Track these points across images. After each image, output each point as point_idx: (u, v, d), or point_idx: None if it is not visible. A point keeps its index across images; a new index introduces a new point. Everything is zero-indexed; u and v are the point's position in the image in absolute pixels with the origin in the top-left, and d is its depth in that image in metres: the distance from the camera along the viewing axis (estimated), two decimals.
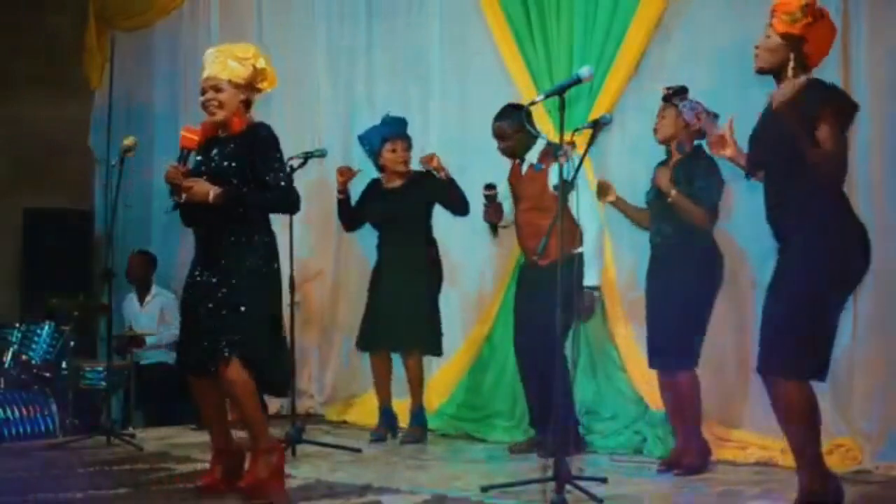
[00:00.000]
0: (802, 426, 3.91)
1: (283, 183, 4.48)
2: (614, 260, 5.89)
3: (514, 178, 5.74)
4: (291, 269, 5.69)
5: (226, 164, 4.46)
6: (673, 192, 5.00)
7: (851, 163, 5.08)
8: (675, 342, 5.03)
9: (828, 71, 5.20)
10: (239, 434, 4.69)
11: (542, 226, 5.29)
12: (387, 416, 6.24)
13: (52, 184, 8.65)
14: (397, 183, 6.21)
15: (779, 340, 3.89)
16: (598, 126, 4.92)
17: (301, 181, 5.87)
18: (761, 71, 4.07)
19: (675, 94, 5.11)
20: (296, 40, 7.57)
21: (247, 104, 4.56)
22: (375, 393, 6.31)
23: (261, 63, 4.55)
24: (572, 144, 5.20)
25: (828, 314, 3.92)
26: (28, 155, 8.56)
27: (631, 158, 5.79)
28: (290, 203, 4.58)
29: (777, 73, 4.02)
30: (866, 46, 5.15)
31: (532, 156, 5.61)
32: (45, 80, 8.70)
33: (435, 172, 6.01)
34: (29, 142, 8.58)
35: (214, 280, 4.42)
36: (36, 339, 7.21)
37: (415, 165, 6.23)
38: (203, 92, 4.50)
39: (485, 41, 6.50)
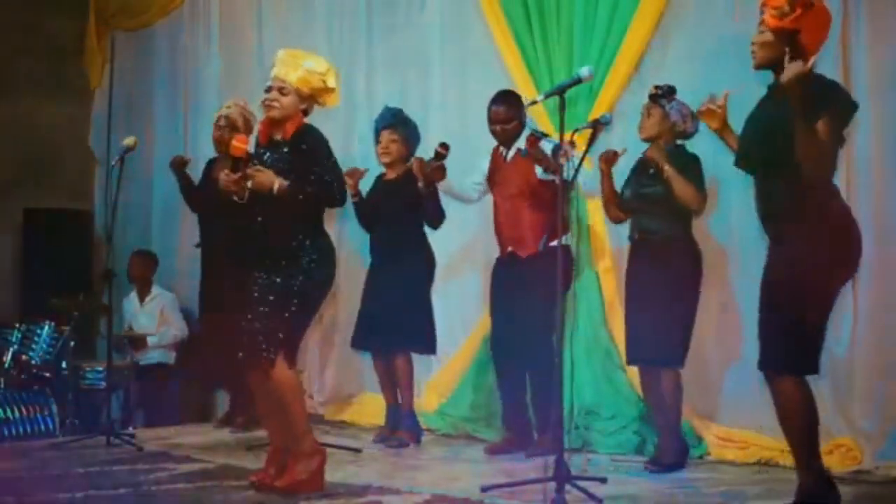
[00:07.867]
0: (799, 424, 3.90)
1: (328, 178, 4.51)
2: (615, 261, 5.88)
3: (496, 166, 5.75)
4: None
5: (279, 167, 4.48)
6: (667, 166, 4.99)
7: (852, 163, 5.13)
8: (661, 340, 5.02)
9: (828, 70, 5.21)
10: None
11: (525, 214, 5.39)
12: (392, 414, 6.08)
13: (52, 184, 8.65)
14: (392, 175, 6.11)
15: (779, 337, 3.89)
16: (598, 126, 4.93)
17: None
18: (759, 67, 4.02)
19: (664, 95, 5.11)
20: (295, 40, 7.54)
21: (305, 113, 4.61)
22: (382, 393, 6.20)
23: (331, 82, 4.59)
24: (572, 144, 5.21)
25: (824, 310, 3.92)
26: (28, 155, 8.55)
27: (631, 158, 5.79)
28: (335, 195, 4.58)
29: (775, 67, 3.96)
30: (866, 46, 5.14)
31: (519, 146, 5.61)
32: (45, 80, 8.69)
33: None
34: (29, 142, 8.57)
35: (267, 280, 4.45)
36: (36, 339, 7.22)
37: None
38: (268, 90, 4.53)
39: (485, 41, 6.50)
